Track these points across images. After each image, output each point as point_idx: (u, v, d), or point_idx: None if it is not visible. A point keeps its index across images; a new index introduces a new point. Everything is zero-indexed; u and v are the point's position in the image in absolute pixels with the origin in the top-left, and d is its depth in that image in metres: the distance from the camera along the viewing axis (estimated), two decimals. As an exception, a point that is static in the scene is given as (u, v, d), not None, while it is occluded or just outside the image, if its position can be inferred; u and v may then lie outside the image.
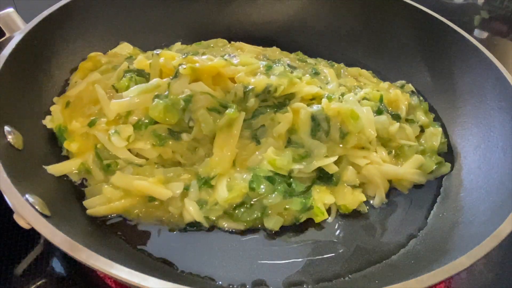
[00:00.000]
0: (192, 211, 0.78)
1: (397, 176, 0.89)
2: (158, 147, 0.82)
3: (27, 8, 1.17)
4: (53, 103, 0.90)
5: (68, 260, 0.76)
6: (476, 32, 1.54)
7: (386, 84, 1.11)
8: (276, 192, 0.80)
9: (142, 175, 0.80)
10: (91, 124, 0.84)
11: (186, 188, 0.80)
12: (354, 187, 0.87)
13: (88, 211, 0.76)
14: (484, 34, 1.54)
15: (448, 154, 0.98)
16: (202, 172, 0.82)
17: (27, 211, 0.60)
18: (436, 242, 0.78)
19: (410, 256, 0.77)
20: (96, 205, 0.77)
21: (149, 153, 0.82)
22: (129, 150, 0.83)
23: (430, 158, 0.93)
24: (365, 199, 0.86)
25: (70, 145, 0.83)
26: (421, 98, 1.09)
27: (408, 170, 0.90)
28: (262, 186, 0.80)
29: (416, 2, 1.15)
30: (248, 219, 0.79)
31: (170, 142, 0.82)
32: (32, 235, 0.78)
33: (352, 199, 0.85)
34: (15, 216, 0.62)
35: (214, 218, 0.79)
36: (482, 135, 0.94)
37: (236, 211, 0.80)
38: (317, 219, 0.82)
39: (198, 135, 0.83)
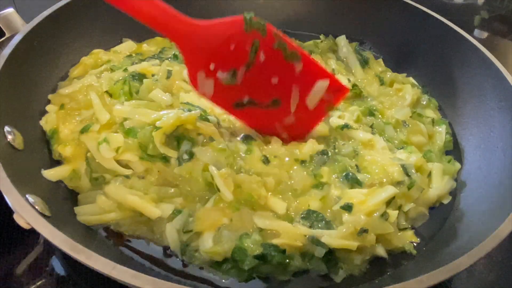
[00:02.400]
0: (169, 238, 0.72)
1: (438, 198, 0.85)
2: (145, 162, 0.79)
3: (27, 8, 1.17)
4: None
5: (68, 260, 0.76)
6: (476, 32, 1.54)
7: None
8: (269, 265, 0.70)
9: (137, 190, 0.76)
10: (83, 130, 0.83)
11: (177, 212, 0.74)
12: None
13: (79, 218, 0.73)
14: (484, 34, 1.54)
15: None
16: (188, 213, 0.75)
17: (27, 211, 0.60)
18: (436, 243, 0.78)
19: (411, 257, 0.77)
20: (88, 214, 0.74)
21: (136, 166, 0.79)
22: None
23: (445, 161, 0.91)
24: (417, 240, 0.79)
25: (64, 149, 0.81)
26: (428, 91, 1.09)
27: (442, 186, 0.86)
28: (247, 262, 0.68)
29: (416, 2, 1.15)
30: (238, 276, 0.70)
31: (157, 163, 0.79)
32: (32, 235, 0.78)
33: (401, 239, 0.77)
34: (15, 216, 0.62)
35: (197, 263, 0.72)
36: (482, 135, 0.94)
37: (224, 266, 0.70)
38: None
39: (185, 174, 0.78)
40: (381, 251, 0.75)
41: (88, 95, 0.89)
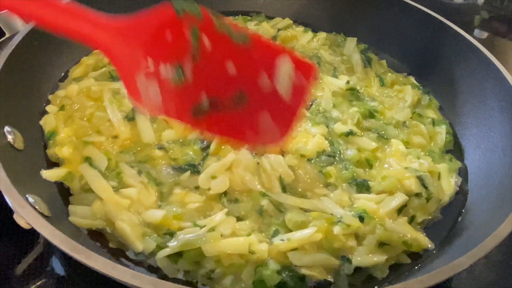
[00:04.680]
0: (161, 267, 0.68)
1: (450, 197, 0.84)
2: None
3: (27, 8, 1.17)
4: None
5: (68, 260, 0.76)
6: (476, 32, 1.54)
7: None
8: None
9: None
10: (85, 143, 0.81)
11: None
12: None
13: (70, 218, 0.72)
14: (484, 34, 1.54)
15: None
16: None
17: (27, 211, 0.60)
18: (436, 243, 0.78)
19: (411, 257, 0.76)
20: (79, 215, 0.72)
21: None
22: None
23: (447, 160, 0.91)
24: (431, 245, 0.76)
25: (61, 151, 0.79)
26: (428, 91, 1.09)
27: (452, 186, 0.85)
28: None
29: (416, 2, 1.15)
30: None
31: None
32: (32, 235, 0.78)
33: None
34: (15, 216, 0.62)
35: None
36: (482, 135, 0.94)
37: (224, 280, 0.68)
38: None
39: None
40: (403, 257, 0.74)
41: (87, 98, 0.90)
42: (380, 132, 0.93)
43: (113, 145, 0.83)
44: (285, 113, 0.69)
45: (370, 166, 0.86)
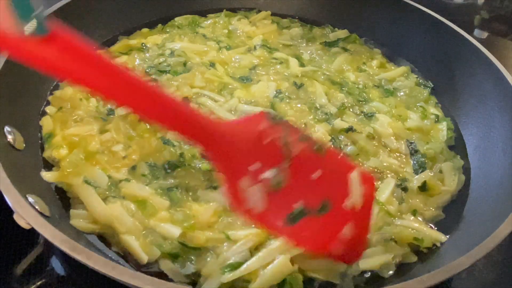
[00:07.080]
0: (166, 271, 0.67)
1: (452, 197, 0.85)
2: None
3: (27, 8, 1.17)
4: (52, 103, 0.90)
5: (68, 260, 0.76)
6: (476, 32, 1.54)
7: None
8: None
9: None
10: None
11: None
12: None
13: (71, 221, 0.71)
14: (484, 34, 1.54)
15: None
16: None
17: (27, 211, 0.60)
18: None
19: (418, 255, 0.76)
20: (80, 218, 0.72)
21: None
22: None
23: (450, 157, 0.92)
24: (444, 238, 0.76)
25: (58, 152, 0.79)
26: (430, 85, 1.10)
27: (455, 184, 0.86)
28: None
29: (416, 2, 1.15)
30: None
31: None
32: (32, 235, 0.78)
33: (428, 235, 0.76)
34: (15, 216, 0.62)
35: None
36: (482, 135, 0.94)
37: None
38: None
39: None
40: (410, 256, 0.74)
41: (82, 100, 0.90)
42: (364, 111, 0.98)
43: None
44: (358, 227, 0.67)
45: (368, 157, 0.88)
